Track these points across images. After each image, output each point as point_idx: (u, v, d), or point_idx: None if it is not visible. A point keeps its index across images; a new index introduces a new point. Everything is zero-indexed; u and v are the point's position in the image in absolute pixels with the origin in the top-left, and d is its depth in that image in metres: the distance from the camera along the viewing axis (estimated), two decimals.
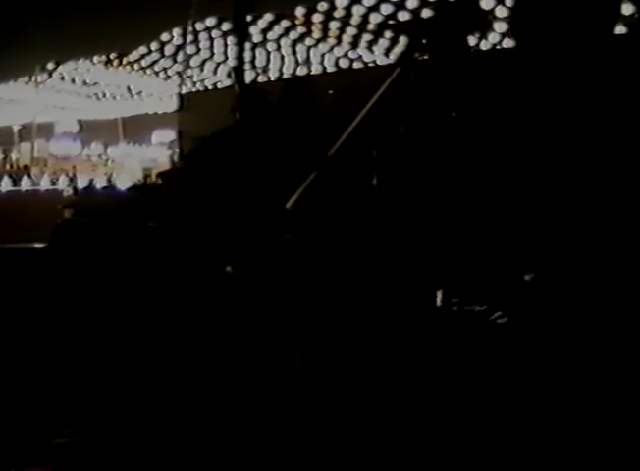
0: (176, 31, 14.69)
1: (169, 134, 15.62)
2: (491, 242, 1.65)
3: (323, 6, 13.58)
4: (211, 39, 14.99)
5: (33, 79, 16.82)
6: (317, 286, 4.21)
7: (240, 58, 9.25)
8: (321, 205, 1.77)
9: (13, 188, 12.86)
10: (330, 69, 14.87)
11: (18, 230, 9.17)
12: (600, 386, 1.55)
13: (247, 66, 12.06)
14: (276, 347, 4.20)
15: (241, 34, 9.57)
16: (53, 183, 13.28)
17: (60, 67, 16.76)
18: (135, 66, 16.63)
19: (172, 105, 13.87)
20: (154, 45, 15.68)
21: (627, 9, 7.72)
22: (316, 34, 14.43)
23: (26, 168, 17.73)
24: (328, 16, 13.78)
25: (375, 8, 13.08)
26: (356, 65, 14.46)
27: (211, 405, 3.49)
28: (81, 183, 12.64)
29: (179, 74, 15.15)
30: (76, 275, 7.11)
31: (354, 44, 14.42)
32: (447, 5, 1.84)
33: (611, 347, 1.54)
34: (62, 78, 17.17)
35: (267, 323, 4.16)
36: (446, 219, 1.74)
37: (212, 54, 15.50)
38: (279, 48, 15.11)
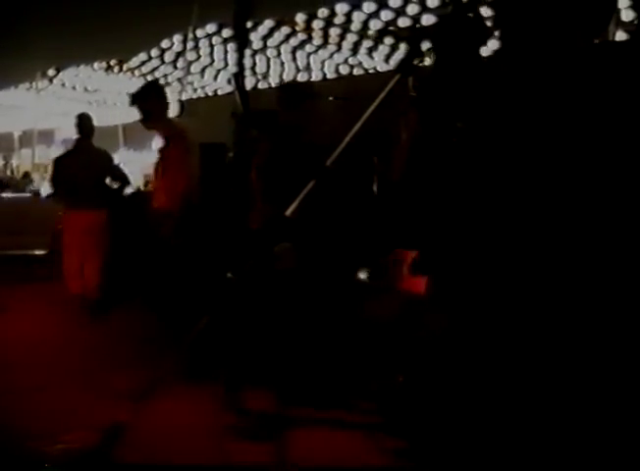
0: (176, 38, 14.69)
1: None
2: (493, 250, 1.65)
3: (323, 12, 13.58)
4: (211, 46, 14.99)
5: (34, 86, 16.83)
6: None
7: (240, 64, 9.26)
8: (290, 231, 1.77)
9: (14, 195, 12.86)
10: (330, 75, 14.88)
11: (19, 236, 9.18)
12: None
13: (248, 72, 12.08)
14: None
15: (242, 41, 9.58)
16: None
17: (61, 73, 16.77)
18: (136, 72, 16.63)
19: (172, 111, 13.87)
20: (154, 52, 15.68)
21: (627, 15, 7.60)
22: (317, 41, 14.43)
23: (27, 174, 17.75)
24: (328, 22, 13.78)
25: (375, 14, 13.08)
26: (357, 71, 14.46)
27: None
28: None
29: (179, 80, 15.16)
30: None
31: (355, 51, 14.42)
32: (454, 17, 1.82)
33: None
34: (63, 85, 17.18)
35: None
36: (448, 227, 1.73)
37: (212, 61, 15.51)
38: (279, 55, 15.11)
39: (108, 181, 7.10)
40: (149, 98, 5.45)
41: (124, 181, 7.20)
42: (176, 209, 5.14)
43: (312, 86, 4.91)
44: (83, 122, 7.16)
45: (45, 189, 9.38)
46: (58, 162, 7.26)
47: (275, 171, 4.43)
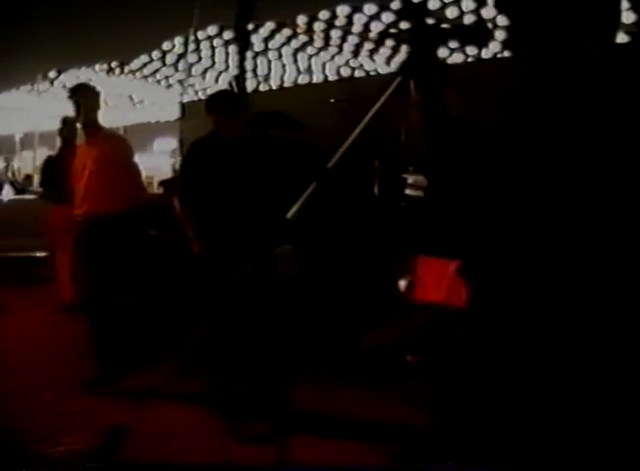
0: (177, 40, 14.71)
1: (171, 143, 15.68)
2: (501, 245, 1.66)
3: (325, 14, 13.58)
4: (213, 48, 15.01)
5: (35, 88, 16.85)
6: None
7: (241, 67, 9.28)
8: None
9: (15, 197, 12.87)
10: (331, 77, 14.88)
11: (20, 238, 9.20)
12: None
13: (249, 74, 12.08)
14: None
15: (243, 43, 9.60)
16: None
17: (62, 75, 16.79)
18: (137, 74, 16.65)
19: (174, 113, 13.87)
20: (156, 53, 15.69)
21: (628, 17, 7.57)
22: (318, 43, 14.44)
23: (29, 177, 17.75)
24: (329, 24, 13.79)
25: (376, 16, 13.09)
26: (358, 73, 14.47)
27: None
28: None
29: (180, 82, 15.16)
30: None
31: (356, 53, 14.43)
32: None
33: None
34: (64, 87, 17.18)
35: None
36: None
37: (214, 63, 15.51)
38: (280, 57, 15.12)
39: None
40: (83, 94, 5.38)
41: None
42: (120, 210, 4.93)
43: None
44: (68, 125, 7.31)
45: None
46: (46, 165, 7.44)
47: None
